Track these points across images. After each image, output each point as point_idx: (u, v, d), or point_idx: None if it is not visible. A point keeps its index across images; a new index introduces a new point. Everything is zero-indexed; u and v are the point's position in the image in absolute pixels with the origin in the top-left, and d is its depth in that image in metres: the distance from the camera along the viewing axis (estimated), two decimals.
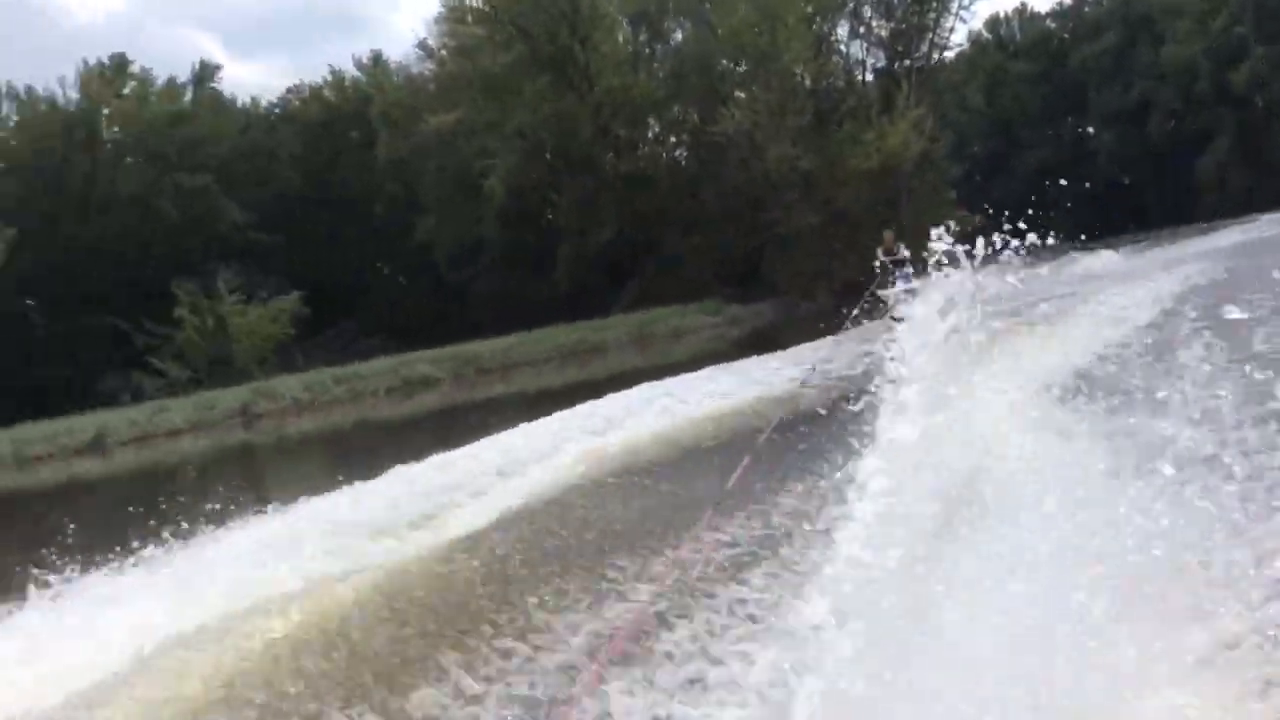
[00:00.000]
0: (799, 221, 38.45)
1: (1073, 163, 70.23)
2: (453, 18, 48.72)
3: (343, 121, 56.67)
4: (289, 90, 58.58)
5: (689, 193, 45.20)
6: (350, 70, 58.47)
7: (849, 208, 37.95)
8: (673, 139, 50.02)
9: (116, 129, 52.15)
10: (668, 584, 6.03)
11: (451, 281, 52.09)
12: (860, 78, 45.43)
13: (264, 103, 59.47)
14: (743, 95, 42.49)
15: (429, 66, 52.58)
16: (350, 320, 51.57)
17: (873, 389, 4.81)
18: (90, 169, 49.84)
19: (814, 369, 14.32)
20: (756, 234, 41.16)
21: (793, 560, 6.22)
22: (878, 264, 19.08)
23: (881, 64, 45.43)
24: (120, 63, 53.14)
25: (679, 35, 49.37)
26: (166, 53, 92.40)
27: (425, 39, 51.51)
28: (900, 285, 18.05)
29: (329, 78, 58.26)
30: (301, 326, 47.59)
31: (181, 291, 44.05)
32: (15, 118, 52.36)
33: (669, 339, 34.75)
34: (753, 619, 5.50)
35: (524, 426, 12.91)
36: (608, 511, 8.40)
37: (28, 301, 46.47)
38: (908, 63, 43.83)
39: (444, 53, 50.54)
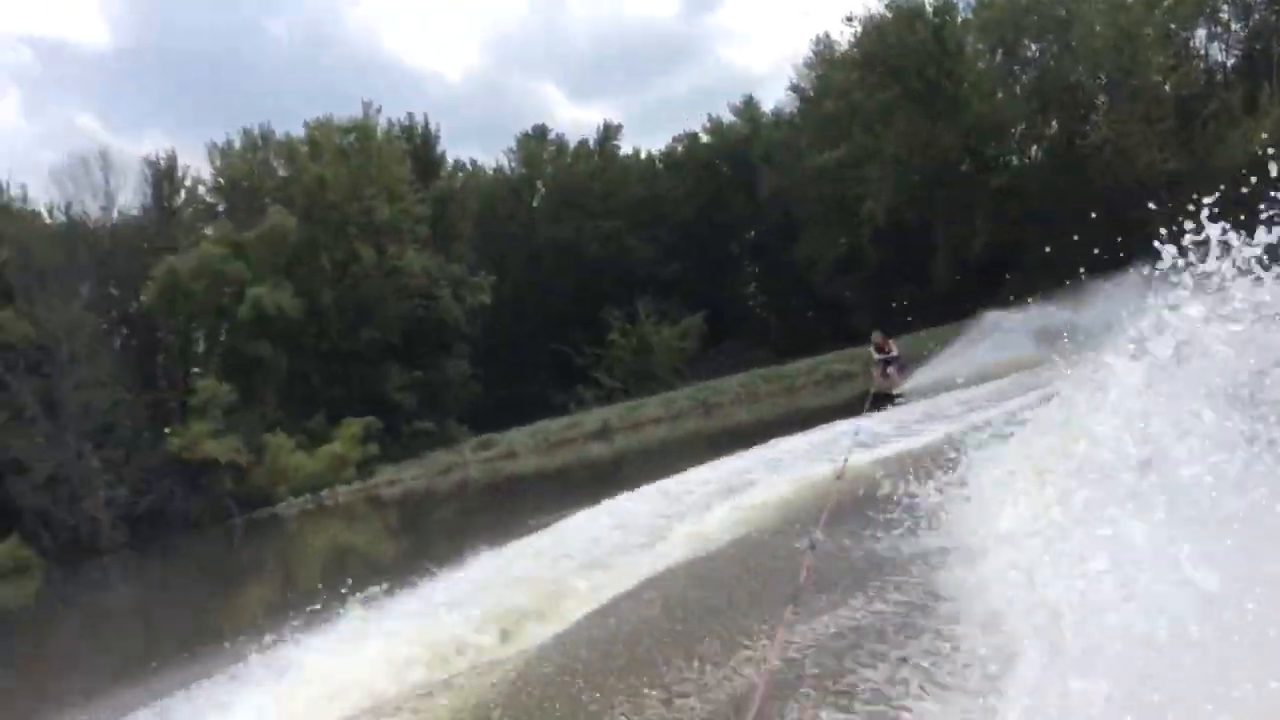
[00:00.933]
0: (1169, 221, 40.51)
1: None
2: (823, 61, 55.43)
3: (721, 161, 64.15)
4: (674, 139, 67.02)
5: (1052, 199, 47.87)
6: (725, 115, 66.08)
7: (1219, 205, 39.53)
8: (1035, 148, 52.02)
9: (542, 187, 63.14)
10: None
11: (826, 295, 58.27)
12: (1221, 78, 45.99)
13: (644, 151, 68.44)
14: (1103, 100, 45.17)
15: (796, 105, 59.44)
16: (738, 334, 59.13)
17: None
18: (528, 223, 60.77)
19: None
20: (1126, 235, 43.32)
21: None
22: (875, 364, 22.92)
23: (1242, 63, 45.88)
24: (541, 131, 64.35)
25: (1034, 51, 50.97)
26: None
27: (797, 82, 58.43)
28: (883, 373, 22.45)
29: (708, 125, 66.35)
30: (701, 342, 55.89)
31: (611, 318, 53.50)
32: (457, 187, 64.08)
33: None
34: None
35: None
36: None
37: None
38: (1271, 58, 43.75)
39: (812, 93, 57.26)
